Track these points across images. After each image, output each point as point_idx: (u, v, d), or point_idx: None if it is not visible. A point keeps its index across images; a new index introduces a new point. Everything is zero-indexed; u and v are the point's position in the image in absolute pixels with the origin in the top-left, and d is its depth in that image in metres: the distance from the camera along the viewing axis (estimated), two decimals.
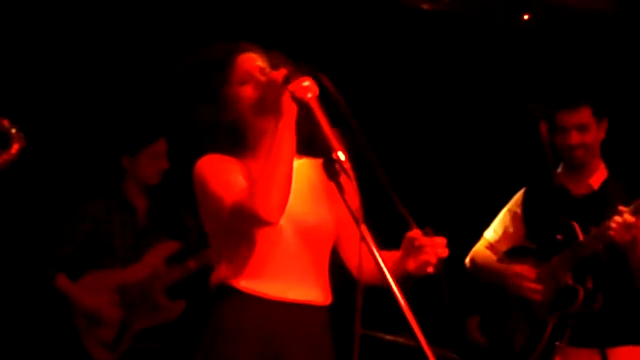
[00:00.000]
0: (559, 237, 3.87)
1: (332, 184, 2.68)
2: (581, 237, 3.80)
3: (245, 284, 2.61)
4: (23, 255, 4.85)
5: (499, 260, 4.08)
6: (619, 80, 5.36)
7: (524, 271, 3.93)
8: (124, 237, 4.76)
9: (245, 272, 2.61)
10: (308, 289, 2.65)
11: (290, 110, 2.52)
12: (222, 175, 2.60)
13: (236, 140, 2.69)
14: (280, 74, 2.53)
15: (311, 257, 2.66)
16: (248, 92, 2.65)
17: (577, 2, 5.47)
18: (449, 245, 2.54)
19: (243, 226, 2.57)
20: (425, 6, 5.62)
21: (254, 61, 2.68)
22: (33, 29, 4.97)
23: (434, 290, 5.56)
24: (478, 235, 4.26)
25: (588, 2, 5.47)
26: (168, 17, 5.22)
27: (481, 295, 4.17)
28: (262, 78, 2.63)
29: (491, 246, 4.16)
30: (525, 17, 5.61)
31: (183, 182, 2.79)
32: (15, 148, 3.03)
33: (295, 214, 2.64)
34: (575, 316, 3.81)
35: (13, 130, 3.06)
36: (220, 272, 2.67)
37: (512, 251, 4.08)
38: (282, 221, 2.58)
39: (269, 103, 2.57)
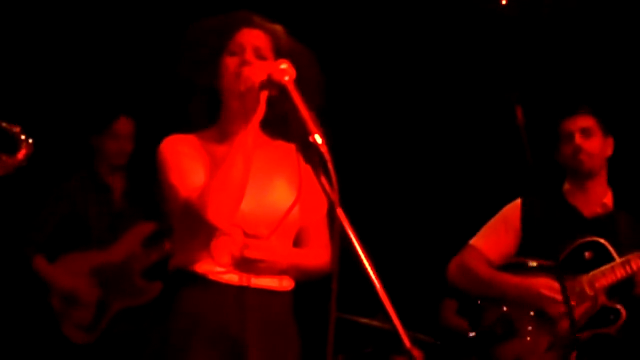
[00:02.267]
0: (587, 254, 3.76)
1: (302, 169, 2.70)
2: (617, 257, 3.72)
3: (202, 269, 2.61)
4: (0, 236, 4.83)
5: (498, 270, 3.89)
6: (599, 68, 5.38)
7: (551, 283, 3.69)
8: (100, 217, 4.75)
9: (203, 257, 2.61)
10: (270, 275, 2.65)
11: (257, 115, 2.56)
12: (181, 164, 2.61)
13: (207, 110, 2.70)
14: (259, 75, 2.52)
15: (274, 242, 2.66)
16: (230, 62, 2.64)
17: None
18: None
19: (196, 223, 2.57)
20: None
21: (253, 38, 2.67)
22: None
23: (410, 274, 5.60)
24: (454, 232, 4.09)
25: None
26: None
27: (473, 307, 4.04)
28: (248, 58, 2.62)
29: (482, 256, 3.93)
30: (504, 2, 5.61)
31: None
32: (22, 154, 3.06)
33: (262, 198, 2.64)
34: (606, 336, 3.70)
35: (23, 137, 3.09)
36: (178, 256, 2.68)
37: (515, 265, 3.88)
38: (247, 205, 2.59)
39: (243, 97, 2.57)
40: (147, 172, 4.73)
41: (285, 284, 2.70)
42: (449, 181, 5.69)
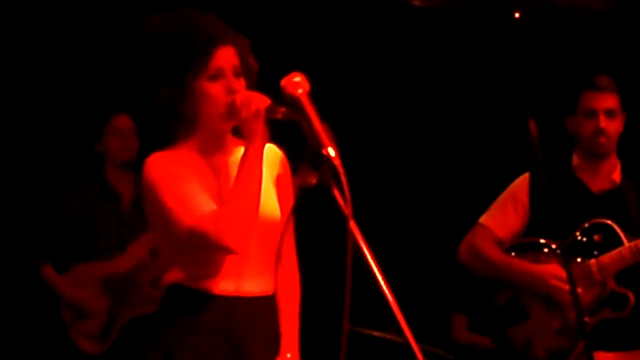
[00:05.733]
0: (596, 237, 3.68)
1: (282, 174, 2.74)
2: (625, 241, 3.64)
3: (199, 284, 2.62)
4: (9, 247, 4.83)
5: (507, 254, 3.82)
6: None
7: (559, 272, 3.63)
8: (108, 226, 4.75)
9: (199, 273, 2.62)
10: (260, 281, 2.67)
11: (263, 136, 2.54)
12: (178, 189, 2.56)
13: (188, 132, 2.67)
14: (261, 101, 2.51)
15: (263, 249, 2.66)
16: (215, 91, 2.59)
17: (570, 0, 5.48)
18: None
19: (202, 247, 2.56)
20: (416, 2, 5.63)
21: (231, 58, 2.62)
22: None
23: (423, 287, 5.58)
24: (456, 230, 4.04)
25: (580, 0, 5.47)
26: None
27: (470, 293, 4.04)
28: (236, 86, 2.59)
29: (492, 235, 3.84)
30: (517, 14, 5.62)
31: None
32: None
33: None
34: (616, 321, 3.64)
35: None
36: (173, 274, 2.67)
37: (522, 246, 3.82)
38: None
39: (242, 122, 2.55)
40: None
41: (270, 288, 2.70)
42: (462, 193, 5.69)
